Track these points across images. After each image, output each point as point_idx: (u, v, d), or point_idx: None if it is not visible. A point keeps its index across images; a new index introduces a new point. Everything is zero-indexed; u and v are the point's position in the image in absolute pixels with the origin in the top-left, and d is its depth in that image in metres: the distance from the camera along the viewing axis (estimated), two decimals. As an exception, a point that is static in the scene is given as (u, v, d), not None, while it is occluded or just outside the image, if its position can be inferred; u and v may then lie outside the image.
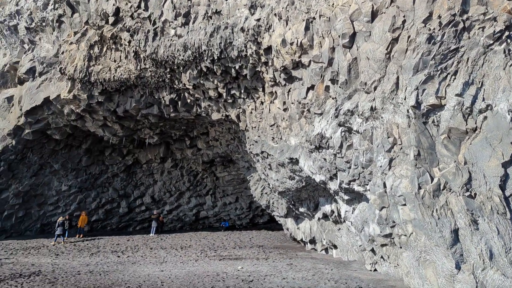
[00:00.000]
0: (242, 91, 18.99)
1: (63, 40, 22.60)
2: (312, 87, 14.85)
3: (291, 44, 14.94)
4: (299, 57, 14.94)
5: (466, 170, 10.23)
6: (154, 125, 24.96)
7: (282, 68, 15.78)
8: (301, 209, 19.68)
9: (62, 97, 22.45)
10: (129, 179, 30.29)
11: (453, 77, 10.65)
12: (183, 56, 18.76)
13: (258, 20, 16.34)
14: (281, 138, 17.50)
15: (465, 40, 10.75)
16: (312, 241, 20.16)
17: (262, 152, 19.01)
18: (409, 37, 11.63)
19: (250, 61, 17.34)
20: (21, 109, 23.34)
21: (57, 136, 24.92)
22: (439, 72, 10.82)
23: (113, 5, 20.40)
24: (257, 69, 17.62)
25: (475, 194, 10.07)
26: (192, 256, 18.57)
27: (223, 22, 17.58)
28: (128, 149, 29.13)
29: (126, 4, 20.10)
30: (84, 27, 21.88)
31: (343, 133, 13.32)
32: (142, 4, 19.69)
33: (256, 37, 16.45)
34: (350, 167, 13.39)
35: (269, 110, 18.01)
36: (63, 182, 27.72)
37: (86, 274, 14.81)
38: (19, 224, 26.74)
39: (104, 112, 23.00)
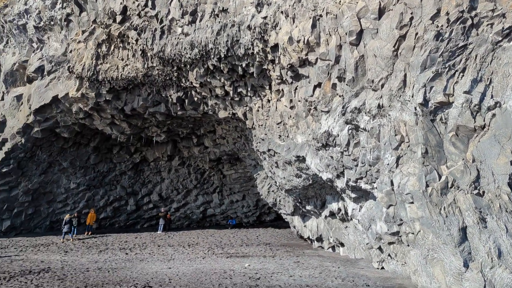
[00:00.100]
0: (249, 89, 19.01)
1: (71, 39, 22.76)
2: (319, 85, 14.83)
3: (298, 41, 14.92)
4: (306, 54, 14.92)
5: (474, 168, 10.16)
6: (161, 123, 25.08)
7: (288, 66, 15.76)
8: (308, 207, 19.67)
9: (70, 95, 22.64)
10: (136, 177, 30.49)
11: (461, 74, 10.57)
12: (190, 54, 18.81)
13: (265, 18, 16.33)
14: (288, 136, 17.50)
15: (474, 37, 10.66)
16: (319, 239, 20.15)
17: (269, 150, 19.02)
18: (416, 34, 11.56)
19: (257, 59, 17.34)
20: (30, 108, 23.58)
21: (65, 134, 25.14)
22: (447, 69, 10.75)
23: (121, 3, 20.51)
24: (263, 67, 17.62)
25: (484, 192, 10.01)
26: (199, 254, 18.66)
27: (229, 20, 17.59)
28: (135, 147, 29.31)
29: (133, 2, 20.19)
30: (92, 25, 22.02)
31: (350, 131, 13.28)
32: (149, 3, 19.76)
33: (262, 35, 16.45)
34: (357, 165, 13.36)
35: (276, 108, 18.00)
36: (72, 180, 27.97)
37: (95, 271, 14.96)
38: (29, 221, 27.05)
39: (112, 111, 23.15)
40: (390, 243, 13.16)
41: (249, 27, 16.81)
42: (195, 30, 18.77)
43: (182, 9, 18.99)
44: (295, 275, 13.59)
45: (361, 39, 13.08)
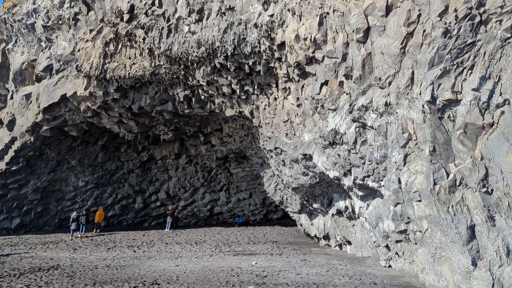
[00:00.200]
0: (256, 87, 19.02)
1: (79, 37, 22.92)
2: (326, 83, 14.79)
3: (305, 39, 14.88)
4: (313, 52, 14.88)
5: (483, 166, 10.08)
6: (168, 121, 25.18)
7: (295, 63, 15.74)
8: (315, 205, 19.66)
9: (78, 94, 22.80)
10: (144, 175, 30.66)
11: (469, 71, 10.49)
12: (197, 52, 18.85)
13: (272, 15, 16.31)
14: (294, 134, 17.48)
15: (482, 33, 10.56)
16: (326, 237, 20.13)
17: (275, 148, 19.02)
18: (424, 31, 11.48)
19: (264, 57, 17.34)
20: (39, 106, 23.79)
21: (74, 133, 25.35)
22: (455, 67, 10.66)
23: (128, 2, 20.60)
24: (270, 65, 17.61)
25: (492, 190, 9.93)
26: (206, 251, 18.74)
27: (236, 18, 17.59)
28: (143, 146, 29.47)
29: (141, 1, 20.27)
30: (99, 24, 22.16)
31: (357, 128, 13.24)
32: (156, 1, 19.83)
33: (269, 33, 16.44)
34: (364, 163, 13.32)
35: (283, 106, 17.99)
36: (80, 178, 28.21)
37: (103, 268, 15.09)
38: (38, 219, 27.33)
39: (120, 109, 23.29)
40: (397, 241, 13.12)
41: (255, 25, 16.80)
42: (202, 28, 18.80)
43: (189, 7, 19.04)
44: (302, 273, 13.61)
45: (368, 36, 13.02)
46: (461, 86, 10.52)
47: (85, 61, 22.27)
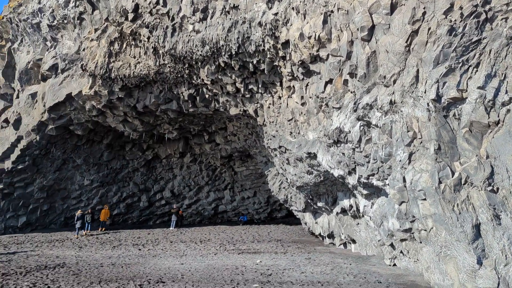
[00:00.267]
0: (260, 85, 19.02)
1: (84, 37, 23.02)
2: (330, 81, 14.77)
3: (309, 38, 14.86)
4: (317, 51, 14.86)
5: (488, 164, 10.04)
6: (173, 120, 25.24)
7: (300, 62, 15.72)
8: (319, 204, 19.65)
9: (83, 93, 22.92)
10: (149, 174, 30.78)
11: (475, 69, 10.43)
12: (201, 51, 18.88)
13: (276, 14, 16.30)
14: (299, 133, 17.47)
15: (488, 31, 10.50)
16: (331, 236, 20.12)
17: (280, 147, 19.03)
18: (429, 29, 11.42)
19: (268, 56, 17.33)
20: (44, 105, 23.93)
21: (79, 132, 25.48)
22: (460, 65, 10.61)
23: (132, 1, 20.65)
24: (274, 64, 17.60)
25: (498, 188, 9.88)
26: (211, 250, 18.79)
27: (240, 17, 17.59)
28: (148, 144, 29.57)
29: (145, 0, 20.32)
30: (104, 24, 22.23)
31: (361, 127, 13.21)
32: (161, 0, 19.87)
33: (273, 31, 16.42)
34: (369, 162, 13.30)
35: (287, 104, 17.98)
36: (86, 177, 28.36)
37: (109, 266, 15.18)
38: (44, 217, 27.52)
39: (124, 108, 23.38)
40: (402, 240, 13.09)
41: (260, 24, 16.80)
42: (206, 27, 18.82)
43: (193, 6, 19.06)
44: (306, 272, 13.62)
45: (373, 34, 12.98)
46: (467, 84, 10.47)
47: (90, 60, 22.36)
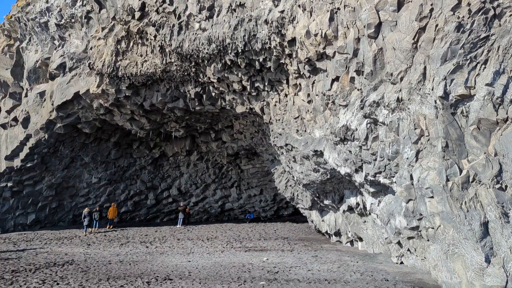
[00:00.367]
0: (266, 83, 19.01)
1: (92, 36, 23.15)
2: (337, 79, 14.72)
3: (316, 35, 14.82)
4: (324, 48, 14.82)
5: (497, 162, 9.96)
6: (180, 118, 25.33)
7: (306, 59, 15.69)
8: (326, 202, 19.62)
9: (91, 91, 23.07)
10: (156, 172, 30.93)
11: (483, 66, 10.34)
12: (208, 49, 18.91)
13: (282, 12, 16.27)
14: (305, 131, 17.45)
15: (496, 27, 10.40)
16: (337, 234, 20.10)
17: (286, 145, 19.02)
18: (437, 25, 11.34)
19: (274, 53, 17.31)
20: (52, 104, 24.14)
21: (87, 130, 25.66)
22: (468, 61, 10.53)
23: (139, 0, 20.73)
24: (281, 61, 17.58)
25: (506, 186, 9.81)
26: (218, 247, 18.86)
27: (247, 15, 17.59)
28: (155, 142, 29.72)
29: (152, -1, 20.39)
30: (111, 22, 22.34)
31: (368, 125, 13.17)
32: (167, -1, 19.93)
33: (280, 29, 16.40)
34: (375, 159, 13.25)
35: (293, 102, 17.96)
36: (93, 175, 28.58)
37: (117, 263, 15.30)
38: (53, 215, 27.79)
39: (132, 106, 23.50)
40: (409, 238, 13.04)
41: (266, 21, 16.78)
42: (212, 25, 18.84)
43: (199, 4, 19.08)
44: (313, 269, 13.62)
45: (380, 31, 12.91)
46: (475, 81, 10.39)
47: (98, 59, 22.49)
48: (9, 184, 25.45)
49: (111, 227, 27.08)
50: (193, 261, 15.45)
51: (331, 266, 14.07)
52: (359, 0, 13.46)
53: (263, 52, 17.61)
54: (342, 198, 18.53)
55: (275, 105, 19.38)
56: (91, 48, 23.12)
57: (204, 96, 21.94)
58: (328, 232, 21.03)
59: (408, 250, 13.55)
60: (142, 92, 22.99)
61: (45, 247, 19.45)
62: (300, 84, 17.30)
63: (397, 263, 14.26)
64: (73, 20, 23.64)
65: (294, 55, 16.54)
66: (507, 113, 9.94)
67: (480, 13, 10.57)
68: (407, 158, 11.85)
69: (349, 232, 18.49)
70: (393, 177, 12.80)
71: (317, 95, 16.01)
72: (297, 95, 17.69)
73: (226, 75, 19.72)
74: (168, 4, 19.99)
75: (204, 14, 19.08)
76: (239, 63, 18.59)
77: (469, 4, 10.83)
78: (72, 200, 28.49)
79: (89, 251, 18.35)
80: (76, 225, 28.00)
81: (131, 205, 30.87)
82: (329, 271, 13.31)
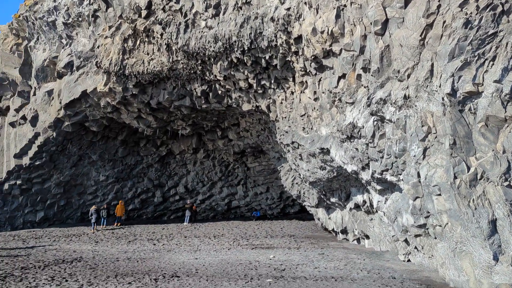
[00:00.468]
0: (272, 81, 19.00)
1: (99, 34, 23.27)
2: (343, 76, 14.68)
3: (322, 32, 14.78)
4: (330, 45, 14.77)
5: (505, 159, 9.89)
6: (186, 116, 25.40)
7: (312, 57, 15.66)
8: (333, 199, 19.60)
9: (98, 90, 23.20)
10: (163, 170, 31.07)
11: (491, 62, 10.26)
12: (214, 47, 18.93)
13: (288, 9, 16.24)
14: (311, 128, 17.43)
15: (504, 24, 10.30)
16: (344, 231, 20.07)
17: (292, 143, 19.01)
18: (444, 22, 11.26)
19: (280, 51, 17.29)
20: (60, 102, 24.32)
21: (94, 128, 25.83)
22: (476, 58, 10.44)
23: (145, -2, 20.80)
24: (287, 59, 17.56)
25: (515, 184, 9.73)
26: (225, 245, 18.92)
27: (253, 12, 17.58)
28: (161, 140, 29.84)
29: (158, -3, 20.44)
30: (118, 21, 22.44)
31: (375, 122, 13.12)
32: (173, -3, 19.96)
33: (286, 26, 16.37)
34: (382, 157, 13.21)
35: (300, 100, 17.94)
36: (101, 173, 28.78)
37: (124, 260, 15.41)
38: (61, 212, 28.04)
39: (139, 104, 23.61)
40: (416, 236, 13.00)
41: (272, 19, 16.76)
42: (218, 23, 18.85)
43: (205, 2, 19.10)
44: (320, 267, 13.63)
45: (387, 28, 12.85)
46: (483, 77, 10.30)
47: (105, 57, 22.61)
48: (18, 182, 25.71)
49: (118, 224, 27.27)
50: (200, 259, 15.52)
51: (337, 264, 14.06)
52: (366, -3, 13.39)
53: (269, 50, 17.59)
54: (349, 196, 18.49)
55: (281, 102, 19.37)
56: (98, 47, 23.24)
57: (211, 94, 21.98)
58: (335, 229, 21.01)
59: (415, 247, 13.50)
60: (149, 90, 23.09)
61: (53, 244, 19.64)
62: (306, 81, 17.27)
63: (404, 261, 14.22)
64: (80, 19, 23.78)
65: (300, 53, 16.51)
66: (515, 110, 9.84)
67: (488, 9, 10.48)
68: (414, 156, 11.80)
69: (356, 229, 18.45)
70: (400, 174, 12.75)
71: (323, 92, 15.98)
72: (304, 92, 17.66)
73: (232, 73, 19.74)
74: (175, 2, 20.03)
75: (210, 12, 19.09)
76: (245, 61, 18.59)
77: (477, 0, 10.74)
78: (80, 198, 28.72)
79: (97, 248, 18.50)
80: (84, 223, 28.23)
81: (139, 203, 31.05)
82: (336, 269, 13.30)
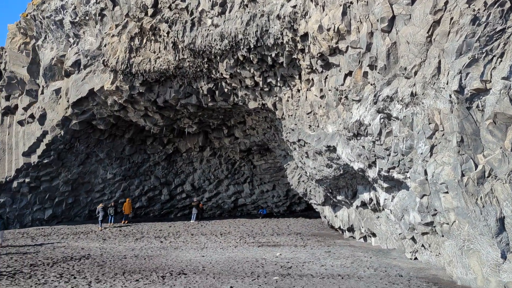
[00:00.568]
0: (279, 79, 18.98)
1: (105, 33, 23.38)
2: (349, 74, 14.63)
3: (328, 30, 14.73)
4: (336, 43, 14.72)
5: (513, 157, 9.80)
6: (193, 114, 25.47)
7: (318, 54, 15.62)
8: (339, 197, 19.57)
9: (105, 88, 23.32)
10: (170, 168, 31.19)
11: (499, 59, 10.16)
12: (220, 45, 18.94)
13: (294, 6, 16.20)
14: (318, 126, 17.40)
15: (513, 20, 10.19)
16: (350, 229, 20.04)
17: (299, 140, 18.99)
18: (451, 19, 11.17)
19: (286, 49, 17.27)
20: (68, 101, 24.49)
21: (101, 126, 25.99)
22: (484, 55, 10.35)
23: (152, -3, 20.85)
24: (293, 57, 17.53)
25: (523, 181, 9.65)
26: (231, 243, 18.98)
27: (259, 10, 17.56)
28: (168, 138, 29.95)
29: (164, -4, 20.48)
30: (124, 19, 22.52)
31: (382, 119, 13.07)
32: (180, -5, 19.98)
33: (292, 24, 16.34)
34: (389, 155, 13.16)
35: (306, 97, 17.91)
36: (108, 171, 28.96)
37: (132, 258, 15.52)
38: (69, 210, 28.28)
39: (145, 103, 23.71)
40: (423, 234, 12.95)
41: (278, 17, 16.73)
42: (224, 21, 18.86)
43: (211, 0, 19.11)
44: (326, 265, 13.63)
45: (393, 25, 12.77)
46: (490, 74, 10.22)
47: (112, 56, 22.72)
48: (27, 180, 25.96)
49: (126, 222, 27.44)
50: (207, 256, 15.59)
51: (344, 262, 14.06)
52: (372, -7, 13.32)
53: (275, 48, 17.57)
54: (355, 194, 18.45)
55: (288, 100, 19.35)
56: (105, 45, 23.36)
57: (217, 92, 22.01)
58: (341, 227, 20.98)
59: (423, 245, 13.46)
60: (155, 89, 23.17)
61: (62, 242, 19.83)
62: (312, 79, 17.23)
63: (411, 258, 14.17)
64: (87, 18, 23.90)
65: (306, 50, 16.47)
66: (524, 107, 9.75)
67: (496, 5, 10.38)
68: (421, 153, 11.74)
69: (363, 227, 18.42)
70: (407, 172, 12.70)
71: (329, 90, 15.94)
72: (310, 90, 17.63)
73: (238, 71, 19.75)
74: (181, 1, 20.06)
75: (216, 10, 19.10)
76: (251, 58, 18.59)
77: (485, -4, 10.63)
78: (88, 196, 28.93)
79: (105, 245, 18.65)
80: (92, 220, 28.45)
81: (146, 201, 31.22)
82: (343, 267, 13.30)
